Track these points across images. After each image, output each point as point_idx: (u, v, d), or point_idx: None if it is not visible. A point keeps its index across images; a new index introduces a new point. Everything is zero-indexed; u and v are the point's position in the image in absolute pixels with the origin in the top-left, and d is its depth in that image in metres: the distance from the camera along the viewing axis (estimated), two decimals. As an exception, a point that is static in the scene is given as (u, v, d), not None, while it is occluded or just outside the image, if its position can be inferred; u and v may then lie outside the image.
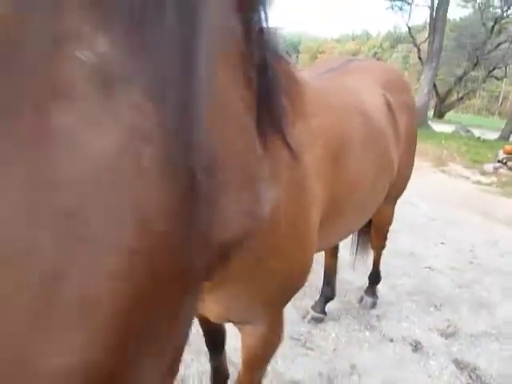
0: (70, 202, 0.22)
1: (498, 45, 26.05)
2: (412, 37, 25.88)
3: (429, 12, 19.28)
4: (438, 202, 5.33)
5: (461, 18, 39.41)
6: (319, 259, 2.64)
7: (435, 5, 18.11)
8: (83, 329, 0.22)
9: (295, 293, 1.19)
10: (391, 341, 2.49)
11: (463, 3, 30.65)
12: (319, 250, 1.67)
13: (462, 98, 33.41)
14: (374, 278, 2.77)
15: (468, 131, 17.16)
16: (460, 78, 30.52)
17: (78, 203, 0.22)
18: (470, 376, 2.26)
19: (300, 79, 1.03)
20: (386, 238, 2.57)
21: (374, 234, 2.53)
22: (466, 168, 7.50)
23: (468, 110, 60.46)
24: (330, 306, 2.67)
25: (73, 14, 0.23)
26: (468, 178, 6.87)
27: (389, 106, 1.66)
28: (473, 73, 30.94)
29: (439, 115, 32.06)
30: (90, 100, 0.23)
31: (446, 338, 2.57)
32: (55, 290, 0.22)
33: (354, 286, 2.97)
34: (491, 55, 27.76)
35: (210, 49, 0.33)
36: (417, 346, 2.46)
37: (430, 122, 18.89)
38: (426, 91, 18.48)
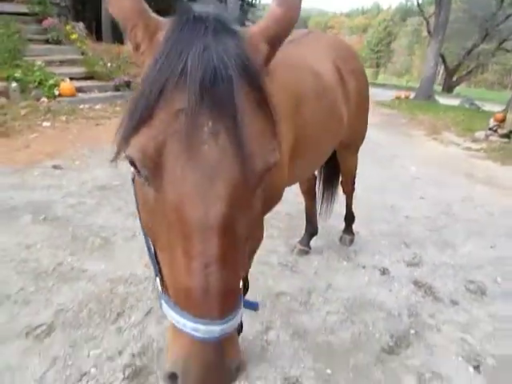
0: None
1: (508, 16, 25.51)
2: (421, 10, 25.55)
3: (436, -16, 18.98)
4: (426, 165, 5.79)
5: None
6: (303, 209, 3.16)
7: (442, -24, 17.97)
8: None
9: (275, 203, 1.68)
10: (363, 267, 3.02)
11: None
12: (295, 182, 2.19)
13: (471, 71, 32.99)
14: (349, 218, 3.29)
15: (473, 104, 17.24)
16: (469, 51, 30.15)
17: None
18: (425, 292, 2.79)
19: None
20: (354, 183, 3.06)
21: (343, 181, 3.03)
22: (459, 136, 7.90)
23: (481, 85, 59.47)
24: (315, 243, 3.21)
25: None
26: (459, 144, 7.28)
27: (338, 70, 2.15)
28: (484, 46, 30.43)
29: (448, 89, 31.86)
30: None
31: (410, 267, 3.10)
32: None
33: (337, 229, 3.47)
34: (502, 27, 27.24)
35: None
36: (384, 272, 2.99)
37: (436, 96, 19.04)
38: (432, 64, 18.51)
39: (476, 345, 2.29)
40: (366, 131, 2.74)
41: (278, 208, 3.15)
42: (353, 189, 3.13)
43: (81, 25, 10.71)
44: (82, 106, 7.16)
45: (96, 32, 13.91)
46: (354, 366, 2.08)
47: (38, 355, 1.97)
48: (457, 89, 35.04)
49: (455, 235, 3.69)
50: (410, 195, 4.59)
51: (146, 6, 0.84)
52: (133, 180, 0.87)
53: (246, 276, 1.99)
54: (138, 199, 0.86)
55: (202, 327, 0.73)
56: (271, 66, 0.95)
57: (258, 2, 28.83)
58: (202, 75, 0.71)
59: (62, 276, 2.60)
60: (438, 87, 32.68)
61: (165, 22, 0.83)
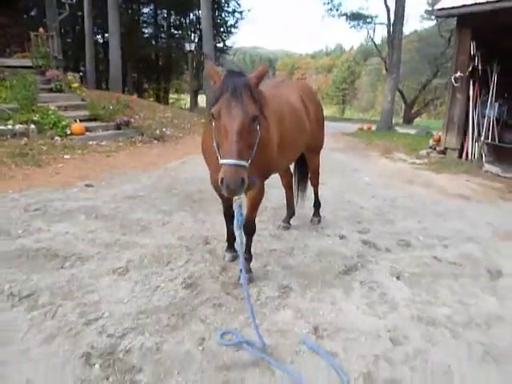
0: None
1: (454, 54, 28.44)
2: (379, 51, 28.27)
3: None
4: (377, 176, 7.28)
5: (425, 30, 42.35)
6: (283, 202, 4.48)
7: (391, 22, 20.52)
8: None
9: (269, 175, 3.03)
10: (328, 236, 4.32)
11: (426, 15, 33.53)
12: (281, 167, 3.54)
13: (427, 103, 35.89)
14: (317, 205, 4.63)
15: (428, 132, 19.30)
16: (424, 86, 33.19)
17: None
18: (369, 246, 4.10)
19: (262, 90, 2.89)
20: (318, 177, 4.43)
21: (311, 177, 4.40)
22: (406, 154, 9.50)
23: (440, 116, 63.75)
24: (293, 222, 4.51)
25: None
26: (406, 160, 8.85)
27: (302, 100, 3.59)
28: (438, 80, 33.50)
29: (408, 121, 34.59)
30: None
31: (361, 234, 4.42)
32: None
33: (308, 214, 4.77)
34: (450, 64, 30.25)
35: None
36: (342, 237, 4.30)
37: (397, 127, 21.17)
38: (389, 99, 20.78)
39: (399, 268, 3.60)
40: (323, 139, 4.17)
41: (265, 204, 4.68)
42: (318, 182, 4.50)
43: (77, 76, 12.10)
44: (90, 143, 8.40)
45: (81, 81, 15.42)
46: (322, 280, 3.33)
47: (124, 281, 3.15)
48: (417, 120, 37.88)
49: (395, 216, 5.07)
50: (364, 195, 6.00)
51: (217, 67, 2.28)
52: (210, 121, 2.39)
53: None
54: (214, 128, 2.32)
55: (229, 160, 2.12)
56: (266, 100, 2.50)
57: (228, 48, 31.37)
58: (232, 88, 2.16)
59: (122, 245, 3.79)
60: (400, 120, 35.58)
61: (222, 72, 2.25)
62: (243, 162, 2.15)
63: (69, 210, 4.63)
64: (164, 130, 10.32)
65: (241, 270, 2.58)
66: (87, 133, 8.80)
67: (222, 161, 2.16)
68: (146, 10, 30.34)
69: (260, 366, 2.30)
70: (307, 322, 2.74)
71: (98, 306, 2.81)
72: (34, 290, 2.96)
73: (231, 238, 3.57)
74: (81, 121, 9.15)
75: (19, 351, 2.32)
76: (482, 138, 8.24)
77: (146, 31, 30.55)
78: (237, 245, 3.43)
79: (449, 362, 2.40)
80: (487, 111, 8.34)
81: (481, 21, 7.76)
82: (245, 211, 2.86)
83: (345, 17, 24.57)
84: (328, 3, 24.10)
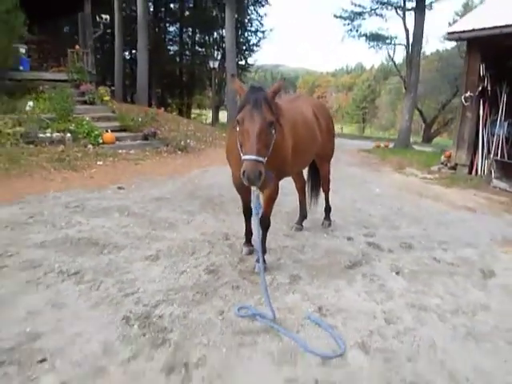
0: None
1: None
2: (398, 70, 28.66)
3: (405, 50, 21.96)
4: (388, 188, 7.66)
5: (446, 50, 42.67)
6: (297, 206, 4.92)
7: (410, 43, 21.01)
8: None
9: (284, 175, 3.53)
10: (336, 237, 4.74)
11: (443, 38, 33.85)
12: (294, 170, 4.02)
13: (447, 123, 35.94)
14: (327, 209, 5.06)
15: (443, 150, 19.49)
16: (444, 106, 33.35)
17: None
18: (374, 247, 4.49)
19: (279, 103, 3.39)
20: (329, 184, 4.88)
21: (323, 183, 4.85)
22: (418, 169, 9.83)
23: (459, 135, 63.20)
24: (305, 224, 4.94)
25: None
26: (417, 175, 9.19)
27: (314, 113, 4.08)
28: (457, 100, 33.63)
29: (428, 140, 34.70)
30: None
31: (367, 237, 4.82)
32: None
33: (322, 218, 5.20)
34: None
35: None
36: (349, 239, 4.70)
37: (415, 146, 21.45)
38: (407, 118, 21.15)
39: (399, 265, 3.98)
40: (333, 149, 4.64)
41: (280, 209, 5.16)
42: (328, 189, 4.94)
43: (109, 90, 12.92)
44: (120, 151, 9.05)
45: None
46: (329, 272, 3.75)
47: (155, 266, 3.64)
48: (437, 139, 37.92)
49: (401, 223, 5.44)
50: (373, 204, 6.39)
51: (241, 83, 2.81)
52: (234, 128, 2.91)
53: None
54: (238, 132, 2.83)
55: (250, 156, 2.63)
56: (282, 111, 3.12)
57: (250, 66, 32.41)
58: (253, 101, 2.69)
59: (152, 238, 4.29)
60: (419, 138, 35.74)
61: (245, 88, 2.79)
62: (261, 158, 2.67)
63: (104, 208, 5.18)
64: (188, 141, 10.92)
65: (257, 258, 3.07)
66: (117, 142, 9.47)
67: (244, 157, 2.69)
68: (172, 29, 31.78)
69: (270, 333, 2.73)
70: (313, 303, 3.16)
71: (134, 283, 3.30)
72: (80, 269, 3.47)
73: (248, 234, 4.03)
74: (111, 131, 9.84)
75: (71, 312, 2.82)
76: (492, 155, 8.54)
77: (171, 48, 31.89)
78: (253, 241, 3.89)
79: (434, 339, 2.78)
80: (496, 130, 8.66)
81: (489, 43, 8.16)
82: (262, 207, 3.33)
83: (364, 37, 25.09)
84: (348, 24, 24.71)
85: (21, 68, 11.78)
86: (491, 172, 8.10)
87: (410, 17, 20.94)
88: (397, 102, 66.22)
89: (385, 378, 2.37)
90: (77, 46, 12.86)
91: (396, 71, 29.78)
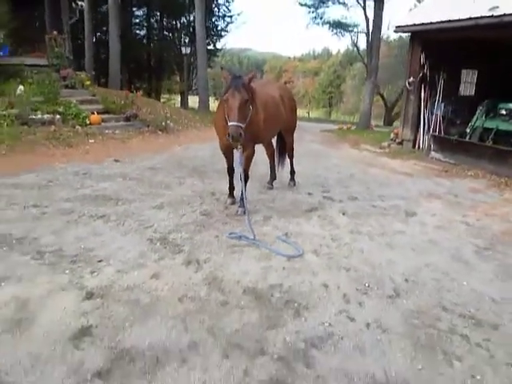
0: None
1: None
2: (361, 56, 30.15)
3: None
4: (344, 160, 9.04)
5: (407, 37, 44.70)
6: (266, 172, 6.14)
7: (370, 31, 22.46)
8: None
9: (258, 140, 4.74)
10: (299, 193, 6.00)
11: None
12: (266, 139, 5.25)
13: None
14: (292, 172, 6.32)
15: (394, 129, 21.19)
16: (402, 91, 35.26)
17: None
18: (328, 199, 5.79)
19: (253, 86, 4.55)
20: (293, 151, 6.13)
21: (288, 150, 6.09)
22: (372, 146, 11.30)
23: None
24: (275, 184, 6.18)
25: None
26: (370, 150, 10.64)
27: (281, 95, 5.30)
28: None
29: (389, 123, 36.71)
30: None
31: (323, 193, 6.11)
32: None
33: (287, 179, 6.45)
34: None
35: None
36: (309, 194, 5.98)
37: (376, 128, 23.11)
38: (367, 102, 22.77)
39: (346, 209, 5.28)
40: (295, 122, 5.90)
41: (254, 173, 6.29)
42: (292, 155, 6.19)
43: (89, 75, 13.58)
44: (106, 131, 9.93)
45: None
46: (293, 214, 4.99)
47: (161, 212, 4.77)
48: (398, 122, 39.97)
49: (351, 184, 6.78)
50: (330, 171, 7.72)
51: (226, 73, 4.02)
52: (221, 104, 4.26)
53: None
54: (226, 108, 4.08)
55: (233, 123, 3.92)
56: (256, 93, 4.36)
57: (218, 50, 33.11)
58: (235, 85, 3.94)
59: (154, 194, 5.41)
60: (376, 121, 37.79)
61: (230, 77, 3.99)
62: (241, 124, 3.90)
63: (108, 175, 6.23)
64: (168, 122, 11.86)
65: (241, 199, 4.29)
66: (103, 123, 10.33)
67: (229, 123, 3.90)
68: (139, 13, 31.87)
69: (252, 247, 3.95)
70: (281, 231, 4.41)
71: (149, 221, 4.43)
72: (104, 214, 4.56)
73: (231, 189, 5.22)
74: (96, 113, 10.67)
75: (110, 237, 3.94)
76: (431, 132, 10.06)
77: (139, 33, 32.06)
78: (236, 194, 5.11)
79: (364, 248, 4.09)
80: (435, 110, 10.18)
81: (429, 36, 9.58)
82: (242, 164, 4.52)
83: (328, 25, 26.34)
84: (313, 12, 25.88)
85: (0, 54, 12.33)
86: (430, 146, 9.59)
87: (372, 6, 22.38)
88: (361, 87, 68.07)
89: (327, 265, 3.66)
90: (54, 32, 13.39)
91: (359, 57, 31.42)
